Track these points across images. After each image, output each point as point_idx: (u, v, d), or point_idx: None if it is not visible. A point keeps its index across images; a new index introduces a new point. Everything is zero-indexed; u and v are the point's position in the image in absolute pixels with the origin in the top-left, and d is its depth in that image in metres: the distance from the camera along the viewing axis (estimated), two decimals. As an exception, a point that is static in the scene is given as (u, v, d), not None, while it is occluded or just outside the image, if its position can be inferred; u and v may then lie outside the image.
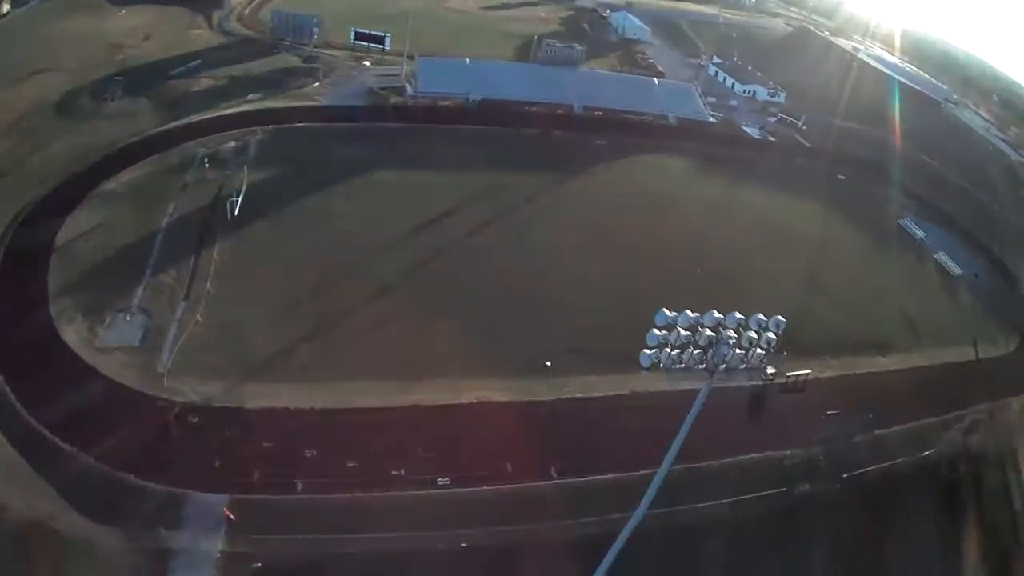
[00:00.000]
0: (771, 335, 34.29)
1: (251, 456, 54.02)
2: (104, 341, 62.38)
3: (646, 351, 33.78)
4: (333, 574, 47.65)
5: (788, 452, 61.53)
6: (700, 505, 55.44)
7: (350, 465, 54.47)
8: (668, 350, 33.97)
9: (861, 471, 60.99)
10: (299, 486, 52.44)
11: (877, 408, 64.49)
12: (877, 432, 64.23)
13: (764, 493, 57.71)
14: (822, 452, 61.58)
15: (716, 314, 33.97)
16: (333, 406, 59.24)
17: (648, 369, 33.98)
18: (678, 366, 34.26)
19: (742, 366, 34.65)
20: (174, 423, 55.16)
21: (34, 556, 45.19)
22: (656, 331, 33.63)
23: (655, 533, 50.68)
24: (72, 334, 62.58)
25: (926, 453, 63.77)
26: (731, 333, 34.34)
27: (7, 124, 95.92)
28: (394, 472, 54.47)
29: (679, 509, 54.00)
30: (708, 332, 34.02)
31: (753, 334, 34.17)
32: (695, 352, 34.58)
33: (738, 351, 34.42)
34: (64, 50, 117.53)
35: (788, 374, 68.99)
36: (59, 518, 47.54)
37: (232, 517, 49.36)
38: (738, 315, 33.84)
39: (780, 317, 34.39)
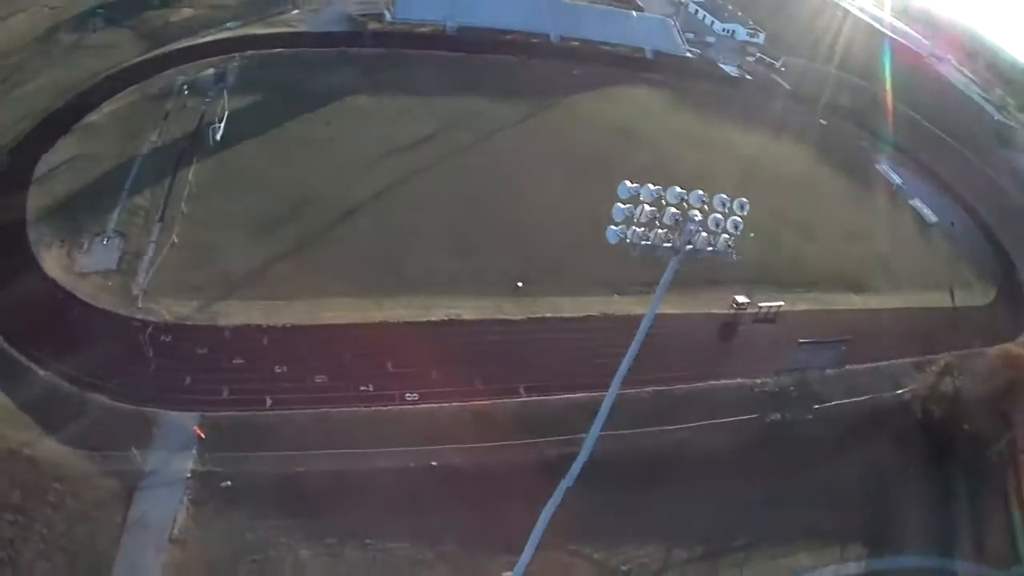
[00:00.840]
0: (737, 218, 34.10)
1: (222, 373, 54.94)
2: (82, 266, 63.06)
3: (612, 227, 33.77)
4: (302, 491, 48.36)
5: (759, 380, 62.11)
6: (670, 427, 56.46)
7: (318, 380, 55.54)
8: (634, 228, 33.92)
9: (832, 403, 61.63)
10: (268, 402, 53.35)
11: (850, 342, 64.34)
12: (849, 367, 64.56)
13: (735, 419, 58.49)
14: (793, 383, 62.08)
15: (679, 189, 33.83)
16: (304, 323, 60.09)
17: (615, 244, 33.82)
18: (644, 243, 34.20)
19: (708, 248, 34.60)
20: (147, 343, 55.70)
21: (7, 484, 45.95)
22: (620, 205, 33.60)
23: (624, 454, 52.76)
24: (50, 260, 63.20)
25: (899, 392, 64.29)
26: (696, 213, 34.17)
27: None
28: (362, 388, 55.44)
29: (648, 431, 55.30)
30: (673, 210, 33.79)
31: (719, 215, 34.00)
32: (660, 231, 34.42)
33: (704, 234, 34.30)
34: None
35: (760, 304, 69.32)
36: (33, 444, 48.51)
37: (202, 435, 50.34)
38: (701, 192, 33.73)
39: (744, 199, 34.18)
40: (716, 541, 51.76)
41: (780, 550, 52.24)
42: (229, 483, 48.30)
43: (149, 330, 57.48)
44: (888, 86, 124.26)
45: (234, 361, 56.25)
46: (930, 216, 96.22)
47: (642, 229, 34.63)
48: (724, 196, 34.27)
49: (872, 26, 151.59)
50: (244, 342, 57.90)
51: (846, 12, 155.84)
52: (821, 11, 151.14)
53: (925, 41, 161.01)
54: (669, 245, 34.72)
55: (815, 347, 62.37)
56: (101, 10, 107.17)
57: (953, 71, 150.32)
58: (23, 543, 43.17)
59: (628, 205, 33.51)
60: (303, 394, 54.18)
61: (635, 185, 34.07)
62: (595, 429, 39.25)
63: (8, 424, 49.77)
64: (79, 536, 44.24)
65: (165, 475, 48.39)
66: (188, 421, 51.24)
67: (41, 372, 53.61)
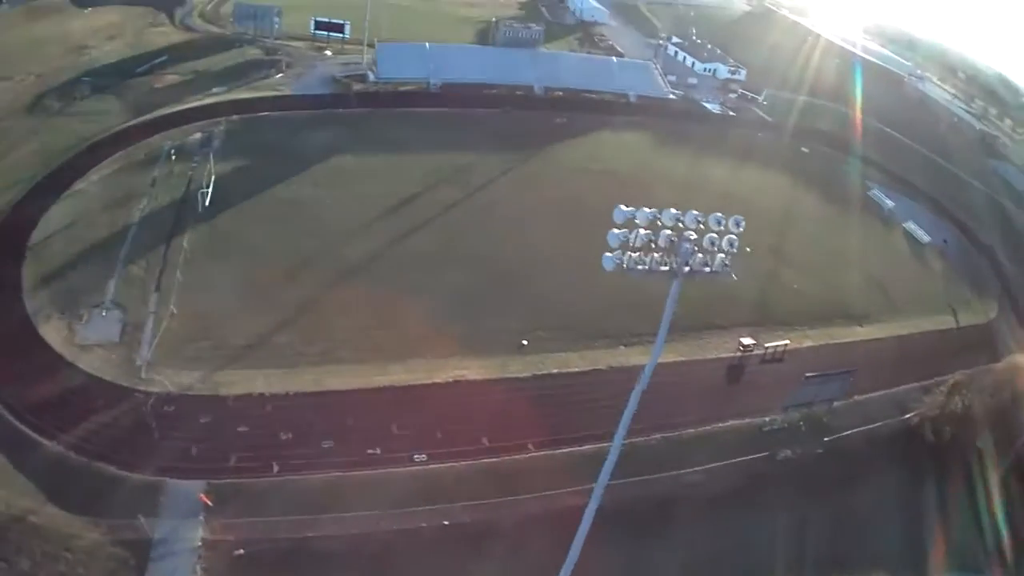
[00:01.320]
0: (733, 236, 34.36)
1: (227, 441, 54.87)
2: (83, 338, 62.99)
3: (608, 255, 34.04)
4: (316, 556, 47.91)
5: (768, 419, 62.25)
6: (680, 472, 56.49)
7: (325, 446, 55.40)
8: (630, 253, 34.17)
9: (842, 434, 61.77)
10: (275, 468, 53.20)
11: (857, 372, 64.71)
12: (858, 398, 64.93)
13: (745, 458, 58.65)
14: (802, 418, 62.20)
15: (673, 211, 34.17)
16: (308, 390, 60.19)
17: (612, 271, 34.10)
18: (640, 267, 34.45)
19: (706, 268, 34.87)
20: (150, 413, 55.59)
21: (14, 551, 45.36)
22: (616, 231, 33.90)
23: (636, 502, 52.55)
24: (51, 332, 63.07)
25: (907, 416, 64.36)
26: (691, 234, 34.39)
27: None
28: (370, 451, 55.41)
29: (658, 477, 55.38)
30: (667, 232, 34.02)
31: (714, 234, 34.23)
32: (656, 255, 34.63)
33: (700, 255, 34.52)
34: (29, 55, 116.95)
35: (767, 345, 69.60)
36: (39, 512, 47.95)
37: (209, 503, 50.01)
38: (695, 212, 34.09)
39: (739, 216, 34.62)
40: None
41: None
42: (242, 552, 47.82)
43: (152, 400, 57.29)
44: (869, 110, 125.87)
45: (238, 429, 56.08)
46: (923, 237, 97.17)
47: (638, 254, 34.64)
48: (719, 215, 34.33)
49: (849, 52, 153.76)
50: (248, 410, 57.80)
51: (823, 40, 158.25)
52: (798, 41, 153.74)
53: (905, 62, 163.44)
54: (666, 268, 34.90)
55: (822, 380, 62.59)
56: (87, 78, 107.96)
57: (934, 88, 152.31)
58: None
59: (623, 230, 33.79)
60: (311, 459, 54.00)
61: (630, 209, 34.10)
62: (604, 476, 39.40)
63: (13, 492, 49.11)
64: (95, 607, 43.45)
65: (175, 544, 47.82)
66: (195, 489, 50.92)
67: (45, 442, 53.15)
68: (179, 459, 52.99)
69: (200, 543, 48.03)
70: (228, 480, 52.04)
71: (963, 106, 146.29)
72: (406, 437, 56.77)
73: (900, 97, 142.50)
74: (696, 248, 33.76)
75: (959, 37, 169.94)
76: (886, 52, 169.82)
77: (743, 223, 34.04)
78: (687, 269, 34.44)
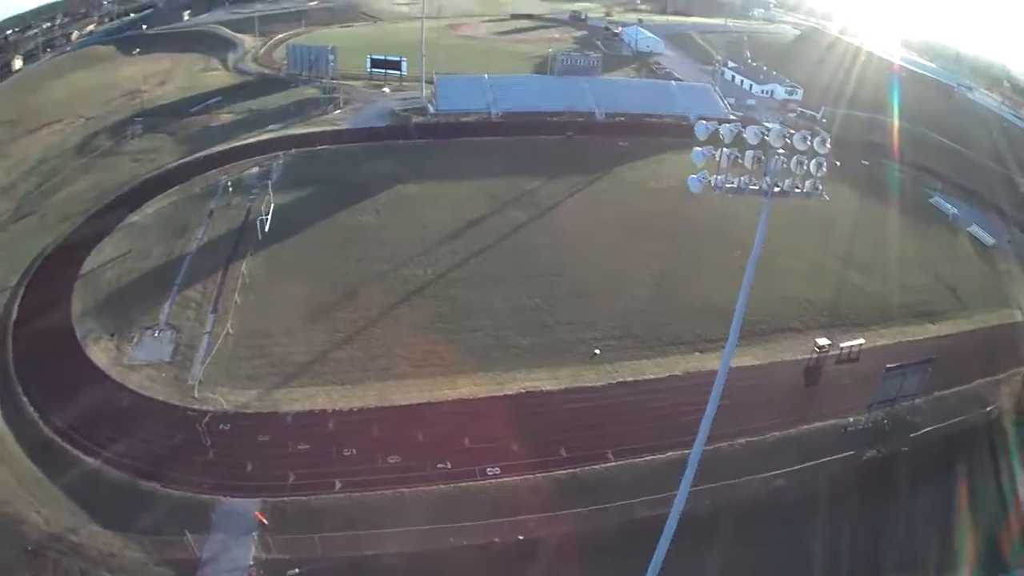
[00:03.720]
0: (821, 158, 30.20)
1: (286, 459, 50.89)
2: (133, 358, 60.10)
3: (693, 176, 30.11)
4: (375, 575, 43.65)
5: (851, 419, 57.66)
6: (766, 475, 51.45)
7: (392, 461, 51.08)
8: (716, 176, 30.22)
9: (926, 430, 57.11)
10: (337, 485, 48.92)
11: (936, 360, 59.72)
12: (938, 393, 60.53)
13: (831, 458, 53.58)
14: (886, 416, 57.88)
15: (757, 127, 30.18)
16: (373, 405, 56.18)
17: (698, 192, 30.05)
18: (729, 185, 30.35)
19: (796, 189, 30.59)
20: (204, 432, 51.79)
21: (51, 570, 42.48)
22: (699, 149, 29.88)
23: (722, 508, 47.45)
24: (99, 353, 60.53)
25: (988, 409, 60.33)
26: (779, 148, 30.39)
27: (28, 167, 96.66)
28: (440, 465, 50.86)
29: (744, 482, 50.28)
30: (752, 151, 30.05)
31: (802, 149, 30.18)
32: (743, 177, 30.65)
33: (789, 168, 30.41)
34: (80, 100, 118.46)
35: (842, 345, 65.88)
36: (79, 531, 44.88)
37: (264, 521, 45.99)
38: (779, 126, 29.93)
39: (826, 135, 30.32)
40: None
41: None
42: (297, 571, 43.48)
43: (206, 419, 53.53)
44: (922, 121, 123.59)
45: (299, 447, 52.03)
46: (988, 239, 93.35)
47: (724, 176, 31.20)
48: (806, 132, 30.47)
49: (898, 67, 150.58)
50: (308, 428, 53.83)
51: (874, 57, 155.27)
52: (850, 60, 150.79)
53: (952, 74, 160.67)
54: (756, 188, 30.66)
55: (903, 371, 57.89)
56: (139, 118, 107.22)
57: (983, 97, 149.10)
58: None
59: (708, 147, 29.67)
60: (376, 476, 49.67)
61: (712, 122, 31.03)
62: (685, 483, 34.08)
63: (54, 511, 46.30)
64: (131, 626, 39.41)
65: (224, 563, 43.86)
66: (250, 507, 46.91)
67: (90, 460, 50.11)
68: (233, 477, 49.15)
69: (252, 562, 44.02)
70: (286, 497, 47.96)
71: (1012, 112, 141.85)
72: (478, 450, 52.13)
73: (950, 107, 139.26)
74: (786, 164, 29.44)
75: (1002, 50, 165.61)
76: (933, 66, 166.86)
77: (829, 142, 30.38)
78: (777, 189, 30.13)
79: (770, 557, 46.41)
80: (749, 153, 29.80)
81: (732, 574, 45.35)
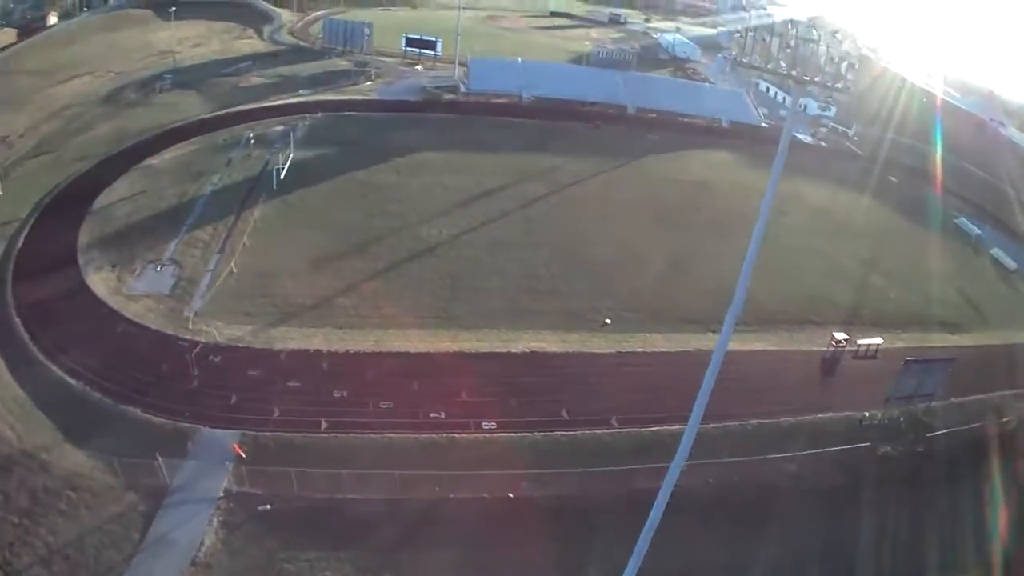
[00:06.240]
0: (850, 49, 28.03)
1: (273, 395, 49.00)
2: (132, 289, 58.89)
3: (720, 54, 28.16)
4: (355, 520, 41.67)
5: (867, 413, 55.17)
6: (777, 456, 49.18)
7: (383, 407, 49.00)
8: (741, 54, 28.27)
9: (943, 431, 54.68)
10: (323, 425, 46.91)
11: (953, 372, 57.34)
12: (955, 400, 58.42)
13: (846, 447, 51.22)
14: (902, 415, 55.53)
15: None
16: (370, 350, 54.18)
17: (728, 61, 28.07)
18: (756, 58, 28.31)
19: (827, 71, 28.35)
20: (193, 362, 49.85)
21: (16, 486, 41.25)
22: (725, 30, 27.91)
23: (729, 487, 45.73)
24: (99, 282, 59.35)
25: (1006, 420, 58.00)
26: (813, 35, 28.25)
27: (52, 112, 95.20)
28: (433, 415, 48.74)
29: (755, 459, 48.09)
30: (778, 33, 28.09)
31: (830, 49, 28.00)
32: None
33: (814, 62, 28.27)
34: (112, 56, 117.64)
35: (859, 342, 64.04)
36: (51, 450, 43.53)
37: (242, 454, 44.03)
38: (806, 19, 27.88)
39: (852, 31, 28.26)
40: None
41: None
42: (268, 507, 41.57)
43: (197, 349, 51.83)
44: (954, 150, 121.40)
45: (289, 384, 50.06)
46: (1010, 263, 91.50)
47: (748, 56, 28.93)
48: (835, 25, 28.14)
49: (933, 95, 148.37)
50: (301, 366, 51.96)
51: (910, 84, 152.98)
52: (887, 85, 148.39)
53: (987, 109, 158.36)
54: (784, 72, 28.50)
55: (923, 366, 56.00)
56: (169, 75, 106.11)
57: (1014, 132, 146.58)
58: (22, 547, 37.63)
59: (735, 28, 27.68)
60: (365, 419, 47.59)
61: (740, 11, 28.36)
62: (679, 458, 31.35)
63: (28, 428, 44.89)
64: (87, 548, 38.21)
65: (195, 492, 42.09)
66: (229, 439, 44.99)
67: (72, 382, 48.64)
68: (217, 408, 47.41)
69: (222, 494, 42.18)
70: (268, 432, 46.05)
71: None
72: (475, 404, 49.95)
73: (982, 139, 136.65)
74: (813, 53, 27.27)
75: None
76: (968, 99, 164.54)
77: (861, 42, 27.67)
78: (806, 77, 27.89)
79: (771, 541, 43.86)
80: (775, 40, 27.55)
81: (731, 554, 43.11)
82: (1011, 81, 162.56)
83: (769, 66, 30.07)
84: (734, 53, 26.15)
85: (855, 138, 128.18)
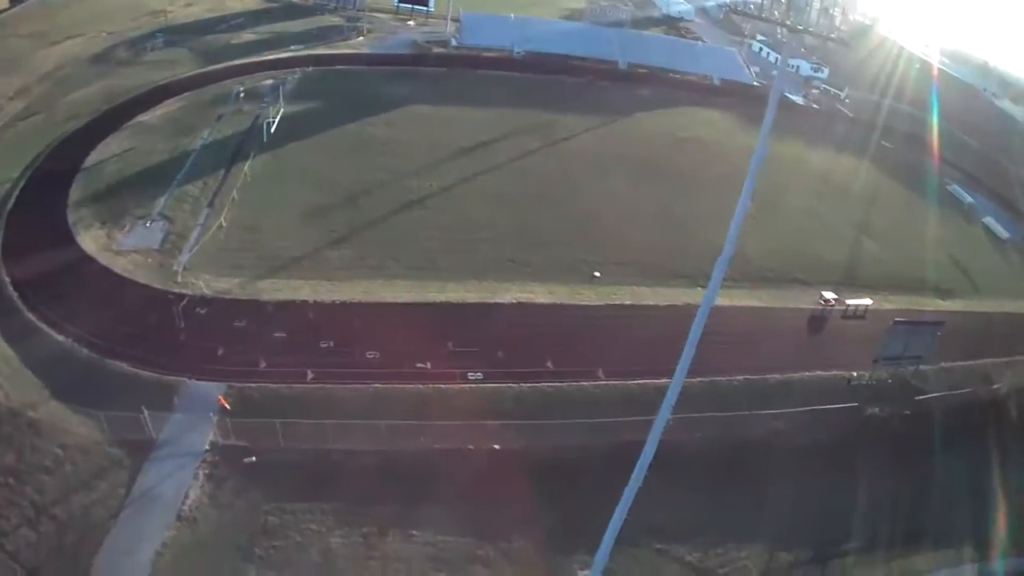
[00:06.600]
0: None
1: (260, 346, 49.06)
2: (121, 244, 58.69)
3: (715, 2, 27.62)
4: (339, 472, 41.87)
5: (855, 373, 55.51)
6: (763, 412, 49.35)
7: (369, 356, 49.17)
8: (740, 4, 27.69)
9: (931, 396, 55.21)
10: (309, 375, 47.02)
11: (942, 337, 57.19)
12: (944, 364, 58.52)
13: (832, 406, 51.49)
14: (890, 376, 56.01)
15: None
16: (357, 300, 54.34)
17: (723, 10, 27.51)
18: (752, 4, 27.90)
19: (821, 24, 27.84)
20: (179, 315, 49.85)
21: (2, 443, 41.23)
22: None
23: (716, 444, 46.03)
24: (88, 239, 58.98)
25: (996, 386, 58.44)
26: None
27: (42, 74, 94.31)
28: (419, 365, 48.81)
29: (741, 414, 48.56)
30: None
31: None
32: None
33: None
34: (105, 17, 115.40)
35: (848, 302, 64.40)
36: (38, 407, 43.50)
37: (228, 406, 44.18)
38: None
39: None
40: (823, 543, 44.27)
41: (892, 553, 44.45)
42: (254, 459, 41.88)
43: (184, 302, 51.76)
44: (947, 118, 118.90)
45: (275, 335, 50.20)
46: (1002, 232, 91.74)
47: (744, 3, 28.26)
48: None
49: (929, 64, 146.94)
50: (288, 317, 52.05)
51: (906, 52, 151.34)
52: (883, 53, 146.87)
53: (980, 79, 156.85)
54: (777, 20, 28.22)
55: (912, 327, 56.12)
56: (160, 33, 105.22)
57: (1009, 104, 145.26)
58: (9, 507, 37.69)
59: None
60: (351, 369, 47.71)
61: None
62: (664, 411, 31.23)
63: (15, 386, 44.77)
64: (73, 505, 38.42)
65: (181, 446, 42.34)
66: (215, 391, 45.07)
67: (59, 337, 48.62)
68: (203, 360, 47.44)
69: (207, 447, 42.39)
70: (253, 384, 46.12)
71: None
72: (462, 354, 50.06)
73: (976, 109, 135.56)
74: (809, 5, 26.74)
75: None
76: (963, 69, 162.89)
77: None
78: (800, 27, 27.50)
79: (757, 497, 44.48)
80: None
81: (720, 518, 43.71)
82: (1006, 53, 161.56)
83: (763, 14, 29.62)
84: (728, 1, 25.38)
85: (847, 101, 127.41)
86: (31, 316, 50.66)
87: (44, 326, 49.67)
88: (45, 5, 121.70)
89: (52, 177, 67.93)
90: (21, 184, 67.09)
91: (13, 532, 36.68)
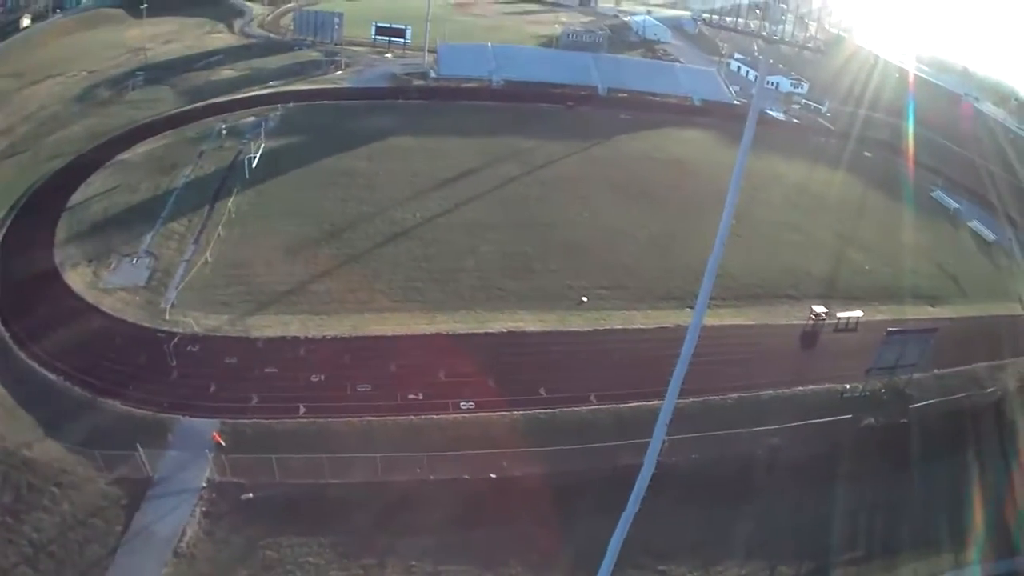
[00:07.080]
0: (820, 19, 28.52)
1: (251, 382, 49.23)
2: (108, 282, 58.71)
3: (687, 19, 28.20)
4: (337, 505, 41.91)
5: (848, 385, 55.85)
6: (759, 429, 49.46)
7: (361, 390, 49.28)
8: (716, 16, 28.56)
9: (925, 403, 55.40)
10: (302, 410, 47.11)
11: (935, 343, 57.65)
12: (937, 371, 58.87)
13: (828, 419, 51.48)
14: (883, 386, 56.31)
15: None
16: (347, 334, 54.48)
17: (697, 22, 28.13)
18: (728, 20, 28.85)
19: (796, 34, 28.84)
20: (171, 353, 50.00)
21: (3, 487, 41.15)
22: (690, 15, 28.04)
23: (713, 462, 46.31)
24: (75, 277, 59.10)
25: (989, 391, 58.79)
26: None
27: (27, 113, 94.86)
28: (411, 396, 48.97)
29: (737, 432, 48.38)
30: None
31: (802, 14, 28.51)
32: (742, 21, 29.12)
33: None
34: (85, 55, 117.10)
35: (839, 315, 64.50)
36: (34, 446, 43.47)
37: (222, 443, 44.25)
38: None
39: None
40: (824, 555, 44.27)
41: (894, 560, 44.76)
42: (251, 496, 41.86)
43: (175, 340, 51.89)
44: (929, 125, 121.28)
45: (266, 370, 50.34)
46: (989, 235, 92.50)
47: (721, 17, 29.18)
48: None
49: (907, 72, 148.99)
50: (279, 353, 52.17)
51: (883, 62, 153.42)
52: (860, 63, 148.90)
53: (960, 85, 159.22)
54: (753, 32, 29.11)
55: (905, 336, 56.50)
56: (141, 72, 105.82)
57: (989, 107, 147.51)
58: (7, 546, 37.61)
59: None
60: (343, 403, 47.88)
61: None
62: (658, 433, 31.64)
63: (9, 425, 44.87)
64: (71, 543, 38.35)
65: (177, 483, 42.26)
66: (209, 428, 45.17)
67: (52, 376, 48.65)
68: (196, 397, 47.50)
69: (204, 484, 42.35)
70: (247, 420, 46.28)
71: (1017, 125, 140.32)
72: (453, 384, 50.29)
73: (956, 115, 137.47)
74: (785, 16, 27.93)
75: (1011, 70, 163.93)
76: (943, 75, 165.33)
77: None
78: (776, 37, 28.51)
79: (753, 514, 44.84)
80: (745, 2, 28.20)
81: (719, 534, 43.98)
82: (985, 58, 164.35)
83: (739, 25, 30.55)
84: (703, 15, 25.99)
85: (828, 114, 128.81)
86: (22, 354, 50.67)
87: (35, 364, 49.71)
88: (25, 44, 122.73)
89: (38, 216, 68.31)
90: (8, 223, 67.42)
91: (12, 570, 36.59)
